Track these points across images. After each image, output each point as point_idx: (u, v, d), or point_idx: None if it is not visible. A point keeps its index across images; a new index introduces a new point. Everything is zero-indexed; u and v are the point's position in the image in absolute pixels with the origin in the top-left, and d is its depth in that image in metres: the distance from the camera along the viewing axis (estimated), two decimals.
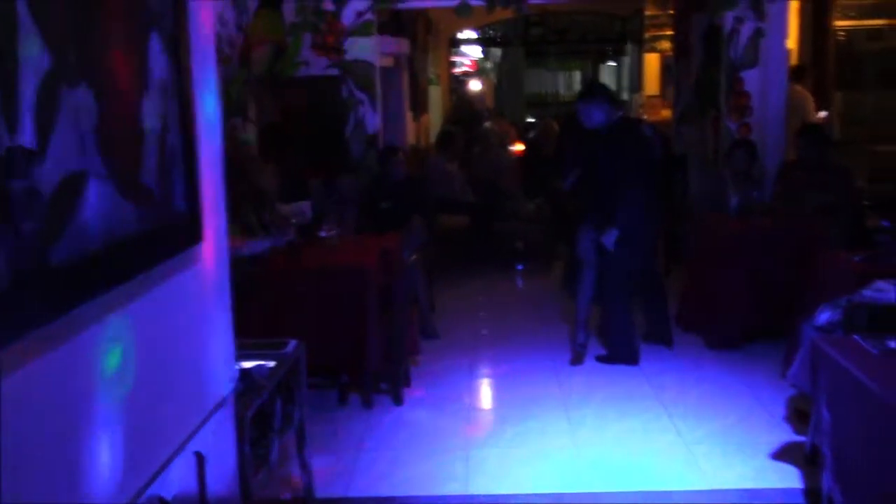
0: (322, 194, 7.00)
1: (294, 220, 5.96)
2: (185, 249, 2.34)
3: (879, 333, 3.45)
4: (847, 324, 3.99)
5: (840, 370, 3.27)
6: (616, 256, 5.64)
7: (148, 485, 2.04)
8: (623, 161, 5.62)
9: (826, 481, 3.40)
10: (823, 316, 4.15)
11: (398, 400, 5.23)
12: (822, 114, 8.85)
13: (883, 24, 10.14)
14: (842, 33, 10.22)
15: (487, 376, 5.91)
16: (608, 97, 5.94)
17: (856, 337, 3.46)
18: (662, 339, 6.14)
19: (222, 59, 5.97)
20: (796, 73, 8.60)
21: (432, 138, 11.69)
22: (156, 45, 2.16)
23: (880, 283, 4.06)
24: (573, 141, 6.47)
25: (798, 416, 4.67)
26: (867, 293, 4.06)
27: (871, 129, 9.04)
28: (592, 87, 6.55)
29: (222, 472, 2.62)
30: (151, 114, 2.12)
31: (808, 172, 6.49)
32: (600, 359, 5.87)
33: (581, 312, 5.96)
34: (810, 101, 8.53)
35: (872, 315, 3.88)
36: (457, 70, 18.15)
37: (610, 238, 5.59)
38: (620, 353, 5.81)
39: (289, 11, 7.41)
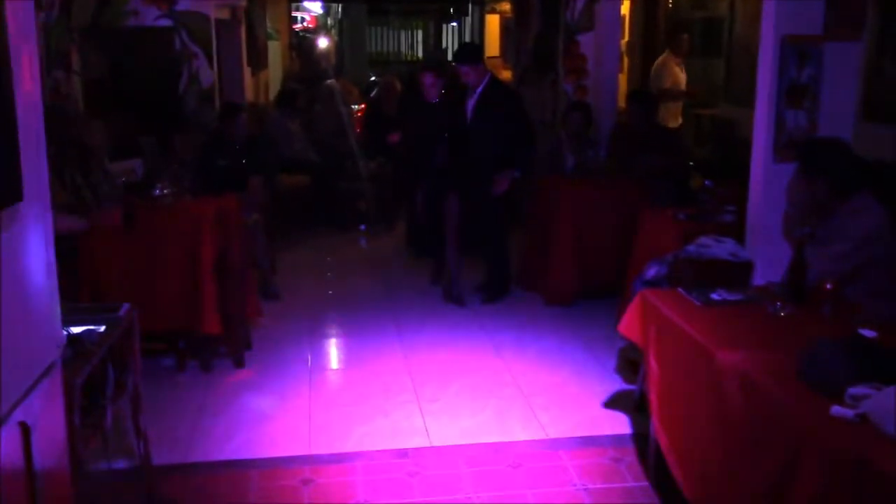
0: (154, 152, 6.70)
1: (123, 179, 5.69)
2: (3, 209, 2.18)
3: (703, 286, 3.66)
4: (673, 278, 4.21)
5: (666, 321, 3.46)
6: (498, 204, 6.13)
7: None
8: (507, 116, 5.99)
9: (652, 426, 3.60)
10: (651, 271, 4.37)
11: (239, 363, 5.13)
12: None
13: None
14: (670, 1, 10.65)
15: (330, 336, 5.89)
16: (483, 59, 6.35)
17: (680, 290, 3.66)
18: (500, 293, 6.40)
19: (40, 6, 5.57)
20: (668, 42, 8.87)
21: (272, 95, 11.40)
22: None
23: (704, 239, 4.30)
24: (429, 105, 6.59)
25: (628, 366, 4.92)
26: (691, 249, 4.31)
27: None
28: (476, 49, 6.68)
29: (51, 443, 2.49)
30: None
31: (638, 135, 6.78)
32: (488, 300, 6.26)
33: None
34: (670, 68, 8.75)
35: (696, 269, 4.12)
36: (297, 26, 17.73)
37: (510, 176, 6.01)
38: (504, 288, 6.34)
39: None
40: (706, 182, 5.68)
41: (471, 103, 6.02)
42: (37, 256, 2.45)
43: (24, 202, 2.29)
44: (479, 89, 5.95)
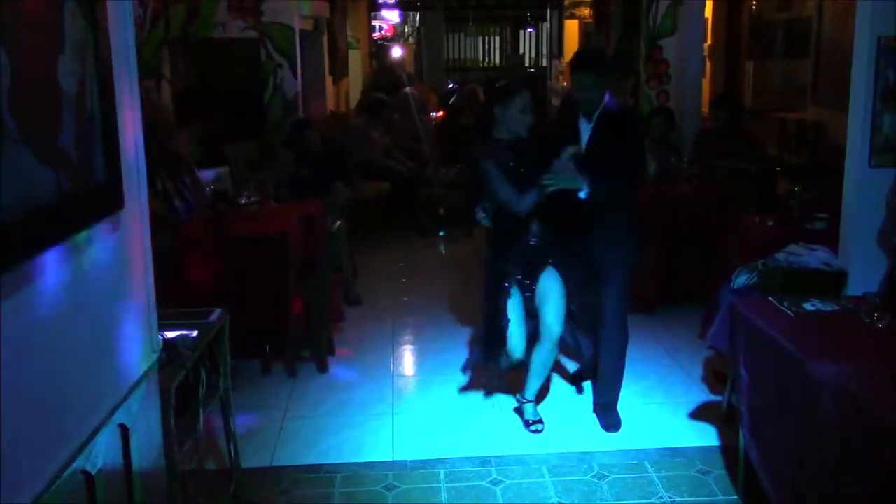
0: (240, 161, 6.85)
1: (212, 187, 5.82)
2: (106, 216, 2.25)
3: (794, 295, 3.56)
4: (763, 286, 4.11)
5: (757, 331, 3.37)
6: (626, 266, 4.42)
7: (72, 459, 1.97)
8: (627, 149, 4.28)
9: (743, 438, 3.51)
10: (740, 279, 4.26)
11: (322, 368, 5.19)
12: None
13: None
14: (754, 3, 10.43)
15: (411, 342, 5.91)
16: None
17: (771, 299, 3.57)
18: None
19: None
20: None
21: (352, 103, 11.54)
22: (72, 3, 2.06)
23: (795, 248, 4.19)
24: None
25: (714, 376, 4.82)
26: (781, 257, 4.19)
27: (780, 97, 9.28)
28: (599, 56, 5.00)
29: (147, 444, 2.56)
30: (68, 75, 2.02)
31: (721, 140, 6.66)
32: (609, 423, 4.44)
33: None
34: None
35: (787, 278, 4.01)
36: (376, 35, 17.92)
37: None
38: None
39: None
40: (794, 188, 5.53)
41: (584, 130, 4.29)
42: (136, 263, 2.52)
43: (124, 210, 2.36)
44: (599, 112, 4.23)
